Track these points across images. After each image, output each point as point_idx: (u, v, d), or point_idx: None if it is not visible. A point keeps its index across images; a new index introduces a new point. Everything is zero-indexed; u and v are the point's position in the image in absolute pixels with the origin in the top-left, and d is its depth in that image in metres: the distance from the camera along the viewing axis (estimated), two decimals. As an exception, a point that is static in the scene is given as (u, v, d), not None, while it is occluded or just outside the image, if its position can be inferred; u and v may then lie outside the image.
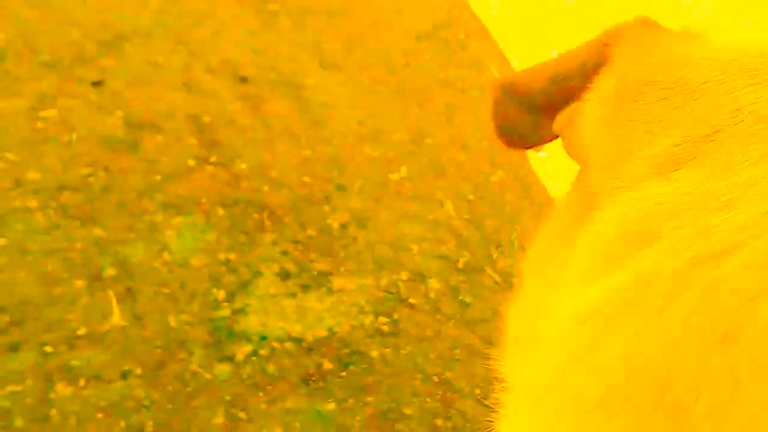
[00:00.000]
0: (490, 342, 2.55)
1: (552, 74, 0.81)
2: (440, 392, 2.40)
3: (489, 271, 2.76)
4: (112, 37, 3.05)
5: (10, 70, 2.85)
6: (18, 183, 2.61)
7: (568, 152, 0.82)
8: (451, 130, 3.23)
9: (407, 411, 2.34)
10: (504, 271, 2.77)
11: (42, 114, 2.78)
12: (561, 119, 0.84)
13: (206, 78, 3.07)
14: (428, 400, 2.37)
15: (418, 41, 3.51)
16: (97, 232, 2.57)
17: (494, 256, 2.82)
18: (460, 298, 2.66)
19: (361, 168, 3.00)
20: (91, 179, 2.68)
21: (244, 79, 3.13)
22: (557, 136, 0.85)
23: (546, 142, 0.88)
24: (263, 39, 3.29)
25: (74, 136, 2.76)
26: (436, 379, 2.43)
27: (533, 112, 0.82)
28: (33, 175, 2.64)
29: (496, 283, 2.73)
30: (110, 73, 2.95)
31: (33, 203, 2.57)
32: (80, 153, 2.73)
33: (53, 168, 2.67)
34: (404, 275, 2.71)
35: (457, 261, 2.78)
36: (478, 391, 2.40)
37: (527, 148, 0.94)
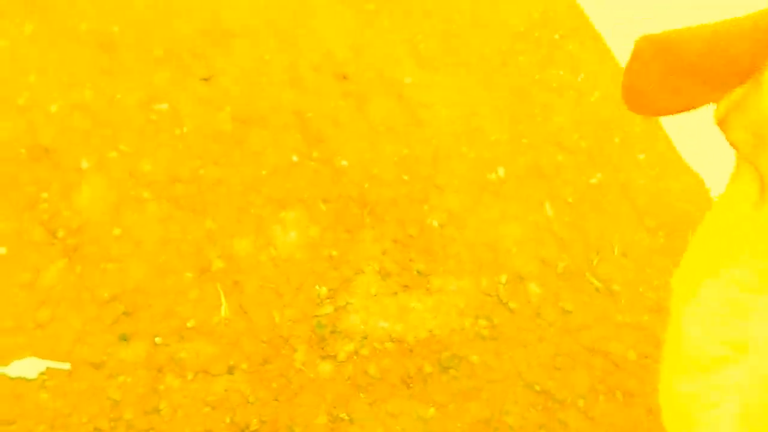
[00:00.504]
0: (592, 350, 2.33)
1: (716, 37, 0.63)
2: (542, 401, 2.20)
3: (589, 276, 2.54)
4: (221, 34, 2.88)
5: (123, 62, 2.70)
6: (132, 174, 2.46)
7: (733, 138, 0.65)
8: (548, 131, 3.00)
9: (508, 420, 2.14)
10: (604, 277, 2.54)
11: (154, 107, 2.63)
12: (727, 103, 0.66)
13: (310, 75, 2.89)
14: (530, 409, 2.17)
15: (513, 40, 3.27)
16: (208, 224, 2.42)
17: (594, 261, 2.59)
18: (561, 304, 2.44)
19: (459, 168, 2.80)
20: (201, 172, 2.53)
21: (345, 77, 2.94)
22: (693, 107, 0.71)
23: (678, 112, 0.71)
24: (363, 37, 3.09)
25: (185, 129, 2.61)
26: (537, 387, 2.23)
27: (680, 75, 0.64)
28: (146, 167, 2.49)
29: (597, 289, 2.50)
30: (219, 68, 2.79)
31: (146, 194, 2.43)
32: (191, 146, 2.58)
33: (165, 160, 2.52)
34: (503, 277, 2.50)
35: (557, 265, 2.56)
36: (581, 403, 2.19)
37: (653, 114, 0.76)
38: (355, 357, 2.24)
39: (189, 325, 2.22)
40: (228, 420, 2.07)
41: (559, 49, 3.29)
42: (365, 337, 2.29)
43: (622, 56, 3.30)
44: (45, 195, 2.34)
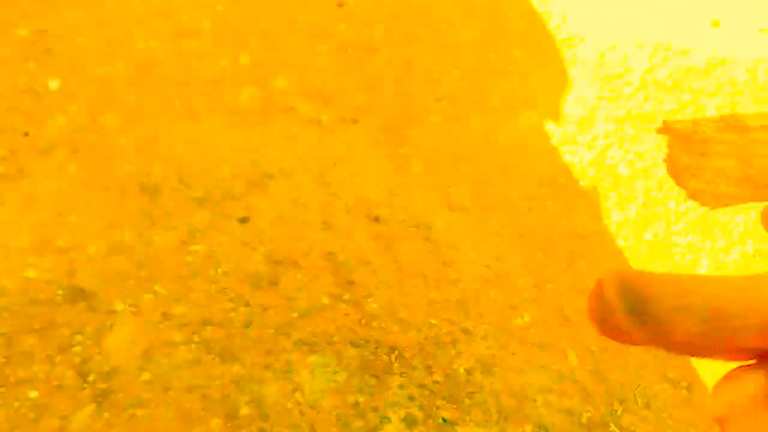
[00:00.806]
0: None
1: (699, 303, 0.47)
2: None
3: (613, 427, 2.38)
4: (259, 176, 2.85)
5: (165, 204, 2.65)
6: (165, 316, 2.38)
7: None
8: (572, 276, 2.90)
9: None
10: (628, 428, 2.38)
11: (192, 248, 2.56)
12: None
13: (343, 217, 2.83)
14: None
15: (539, 187, 3.21)
16: (236, 369, 2.31)
17: (618, 411, 2.44)
18: (590, 463, 2.29)
19: (486, 312, 2.69)
20: (232, 314, 2.44)
21: (377, 219, 2.88)
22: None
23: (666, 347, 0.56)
24: (396, 181, 3.04)
25: (220, 270, 2.53)
26: None
27: (651, 329, 0.49)
28: (179, 309, 2.41)
29: (625, 447, 2.35)
30: (256, 210, 2.74)
31: (178, 337, 2.34)
32: (225, 288, 2.50)
33: (199, 302, 2.43)
34: (528, 428, 2.36)
35: (581, 415, 2.42)
36: None
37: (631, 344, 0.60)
38: None
39: (213, 475, 2.08)
40: None
41: (583, 197, 3.23)
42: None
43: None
44: (79, 338, 2.25)
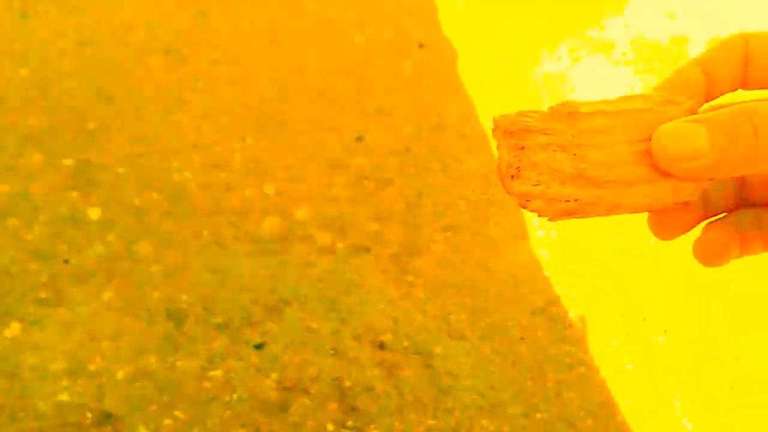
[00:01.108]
0: None
1: None
2: None
3: None
4: (275, 302, 2.96)
5: (188, 330, 2.77)
6: (183, 441, 2.47)
7: None
8: (559, 407, 2.97)
9: None
10: None
11: (210, 374, 2.67)
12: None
13: (351, 344, 2.93)
14: None
15: (532, 316, 3.31)
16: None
17: None
18: None
19: (479, 441, 2.76)
20: (244, 440, 2.53)
21: (382, 346, 2.98)
22: None
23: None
24: (401, 307, 3.15)
25: (235, 396, 2.63)
26: None
27: None
28: (196, 434, 2.50)
29: None
30: (271, 336, 2.85)
31: (193, 462, 2.42)
32: (238, 414, 2.59)
33: (214, 429, 2.53)
34: None
35: None
36: None
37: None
38: None
39: None
40: None
41: (571, 327, 3.32)
42: None
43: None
44: (104, 464, 2.34)
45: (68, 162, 3.14)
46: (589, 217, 0.56)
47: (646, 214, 0.56)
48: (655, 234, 0.57)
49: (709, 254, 0.55)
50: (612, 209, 0.54)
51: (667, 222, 0.56)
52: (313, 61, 3.94)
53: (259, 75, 3.79)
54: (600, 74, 4.36)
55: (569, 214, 0.55)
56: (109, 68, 3.69)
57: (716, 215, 0.58)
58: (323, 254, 3.19)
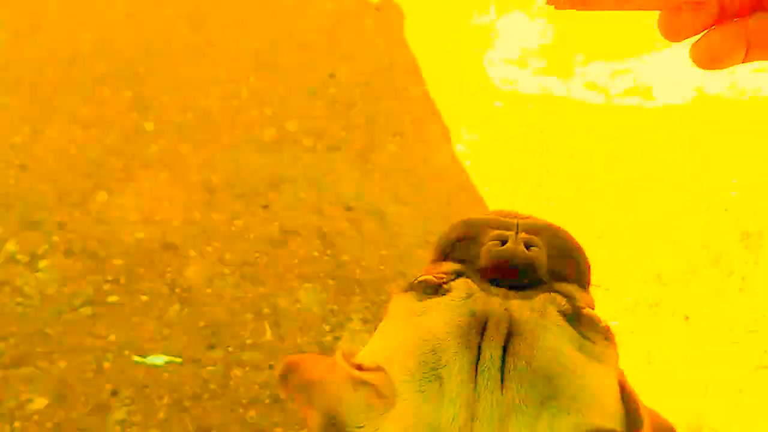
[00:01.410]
0: None
1: None
2: None
3: None
4: (275, 180, 4.16)
5: (218, 197, 3.97)
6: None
7: None
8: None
9: None
10: None
11: (234, 222, 3.87)
12: None
13: (328, 207, 4.12)
14: None
15: (458, 191, 4.50)
16: None
17: None
18: None
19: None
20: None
21: (349, 208, 4.17)
22: None
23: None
24: (363, 184, 4.33)
25: (252, 235, 3.83)
26: None
27: None
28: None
29: None
30: (273, 201, 4.04)
31: None
32: (253, 243, 3.79)
33: (239, 253, 3.73)
34: None
35: None
36: None
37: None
38: None
39: None
40: None
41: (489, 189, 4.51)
42: None
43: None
44: None
45: (128, 94, 4.37)
46: (597, 9, 0.50)
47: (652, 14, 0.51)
48: (665, 35, 0.50)
49: (708, 56, 0.48)
50: (622, 3, 0.49)
51: (678, 22, 0.50)
52: (297, 22, 5.14)
53: (257, 33, 5.00)
54: (520, 26, 5.53)
55: (578, 2, 0.49)
56: (153, 31, 4.90)
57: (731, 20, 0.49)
58: (307, 152, 4.39)
